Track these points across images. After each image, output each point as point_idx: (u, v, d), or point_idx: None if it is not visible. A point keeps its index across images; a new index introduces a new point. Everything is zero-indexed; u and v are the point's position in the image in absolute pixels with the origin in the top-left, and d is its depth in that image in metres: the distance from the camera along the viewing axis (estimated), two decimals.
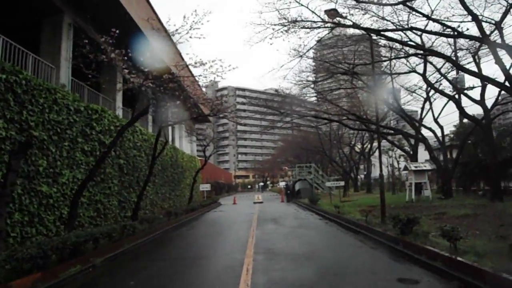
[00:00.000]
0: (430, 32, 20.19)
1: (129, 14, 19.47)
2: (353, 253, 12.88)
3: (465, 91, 28.11)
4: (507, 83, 19.20)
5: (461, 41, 26.93)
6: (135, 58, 14.89)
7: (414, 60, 29.90)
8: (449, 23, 20.54)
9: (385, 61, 29.14)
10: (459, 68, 22.91)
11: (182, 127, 43.42)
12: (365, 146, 57.13)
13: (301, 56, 25.35)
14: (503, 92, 23.72)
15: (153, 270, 10.89)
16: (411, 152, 35.68)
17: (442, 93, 28.96)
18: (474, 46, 26.14)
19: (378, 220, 17.39)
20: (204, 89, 22.91)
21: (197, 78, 18.43)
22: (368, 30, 20.02)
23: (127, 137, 22.28)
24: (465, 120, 35.65)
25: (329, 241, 15.90)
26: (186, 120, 24.18)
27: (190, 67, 18.50)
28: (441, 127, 31.76)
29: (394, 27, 21.36)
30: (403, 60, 30.23)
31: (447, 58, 22.86)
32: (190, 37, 15.30)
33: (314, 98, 40.21)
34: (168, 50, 16.63)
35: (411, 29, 20.91)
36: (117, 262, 12.35)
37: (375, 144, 54.48)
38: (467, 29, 24.93)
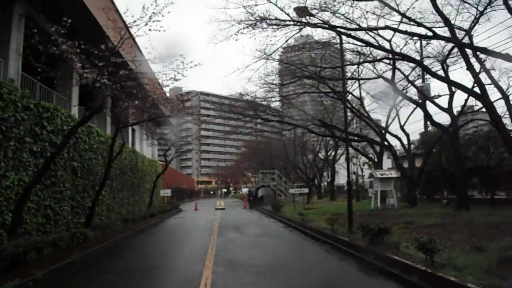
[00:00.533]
0: (405, 33, 19.49)
1: (83, 2, 18.07)
2: (320, 265, 12.05)
3: (433, 99, 27.65)
4: (477, 90, 18.74)
5: (429, 49, 26.73)
6: (90, 51, 13.76)
7: (380, 67, 29.59)
8: (419, 29, 20.04)
9: (354, 64, 28.45)
10: (430, 73, 22.40)
11: (143, 130, 42.12)
12: (329, 153, 56.61)
13: (267, 58, 24.56)
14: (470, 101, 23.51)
15: (102, 285, 9.84)
16: (376, 160, 35.26)
17: (410, 99, 28.51)
18: (442, 54, 25.89)
19: (345, 229, 16.68)
20: (167, 91, 21.65)
21: (156, 75, 17.39)
22: (338, 28, 19.37)
23: (82, 138, 21.00)
24: (430, 128, 35.45)
25: (294, 251, 15.10)
26: (145, 121, 22.79)
27: (150, 64, 17.40)
28: (407, 135, 31.40)
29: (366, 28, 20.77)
30: (370, 67, 29.94)
31: (417, 63, 22.42)
32: (150, 29, 14.21)
33: (278, 103, 39.57)
34: (126, 43, 15.45)
35: (386, 28, 20.25)
36: (62, 275, 11.12)
37: (340, 151, 54.23)
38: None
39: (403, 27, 20.77)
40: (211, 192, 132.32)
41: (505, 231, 14.20)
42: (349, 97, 33.14)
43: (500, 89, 19.11)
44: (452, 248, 11.15)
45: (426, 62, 27.56)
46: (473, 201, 25.25)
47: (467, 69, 18.57)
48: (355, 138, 36.75)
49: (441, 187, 32.88)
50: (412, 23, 20.47)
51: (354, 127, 47.85)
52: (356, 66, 30.13)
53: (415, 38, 23.98)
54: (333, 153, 55.37)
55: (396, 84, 28.55)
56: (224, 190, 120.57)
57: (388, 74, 28.38)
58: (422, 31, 28.73)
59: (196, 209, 45.57)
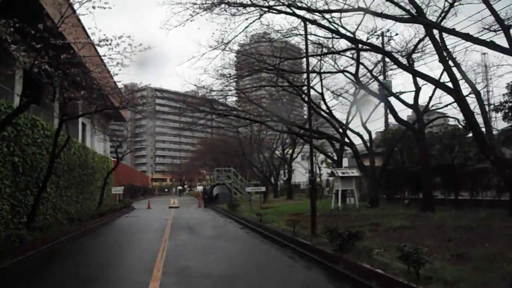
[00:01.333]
0: (381, 15, 18.11)
1: None
2: (284, 275, 10.63)
3: (398, 95, 26.68)
4: (450, 84, 17.69)
5: (393, 43, 25.93)
6: (26, 31, 12.02)
7: (341, 62, 28.68)
8: (385, 22, 18.93)
9: (318, 55, 27.12)
10: (399, 64, 21.39)
11: (95, 124, 40.09)
12: (286, 151, 55.63)
13: (224, 47, 23.17)
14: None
15: None
16: (335, 158, 34.26)
17: (375, 94, 27.44)
18: (406, 49, 25.11)
19: (308, 231, 15.39)
20: (118, 81, 19.71)
21: (104, 60, 15.70)
22: (305, 11, 18.05)
23: (25, 132, 19.12)
24: (391, 126, 34.69)
25: (253, 257, 13.63)
26: (92, 113, 20.81)
27: (98, 48, 15.72)
28: (369, 132, 30.42)
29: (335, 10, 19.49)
30: (331, 62, 29.02)
31: (385, 53, 21.31)
32: (93, 7, 12.50)
33: (235, 99, 38.14)
34: (68, 23, 13.69)
35: (358, 9, 18.84)
36: None
37: (297, 149, 53.30)
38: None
39: (366, 21, 19.65)
40: (166, 190, 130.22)
41: (481, 235, 13.23)
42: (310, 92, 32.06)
43: (471, 84, 18.19)
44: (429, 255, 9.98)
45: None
46: (436, 201, 24.35)
47: (439, 61, 17.55)
48: (315, 135, 35.58)
49: (402, 187, 32.07)
50: (377, 17, 19.54)
51: (313, 124, 46.70)
52: (317, 60, 29.04)
53: (378, 33, 23.11)
54: (290, 151, 54.52)
55: (359, 78, 27.50)
56: (179, 187, 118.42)
57: (351, 70, 27.37)
58: (387, 23, 27.75)
59: (149, 208, 43.73)
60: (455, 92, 17.09)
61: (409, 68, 21.44)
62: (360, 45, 23.29)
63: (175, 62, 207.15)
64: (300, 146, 55.21)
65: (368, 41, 24.74)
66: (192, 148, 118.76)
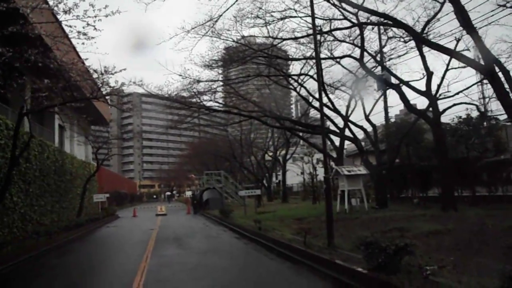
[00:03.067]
0: None
1: None
2: None
3: (408, 82, 23.69)
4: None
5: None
6: None
7: (337, 53, 25.76)
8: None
9: (325, 33, 23.91)
10: (421, 40, 18.53)
11: (74, 128, 36.93)
12: (278, 151, 52.92)
13: (212, 24, 20.22)
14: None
15: None
16: (335, 156, 31.46)
17: (385, 81, 24.53)
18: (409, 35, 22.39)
19: (321, 242, 12.51)
20: (95, 76, 16.38)
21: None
22: None
23: None
24: (393, 119, 32.06)
25: (261, 281, 10.35)
26: (56, 105, 17.31)
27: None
28: (374, 126, 27.70)
29: None
30: (326, 52, 26.14)
31: (406, 28, 18.28)
32: None
33: (223, 95, 35.28)
34: None
35: None
36: None
37: (292, 149, 50.64)
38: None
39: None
40: (154, 196, 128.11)
41: None
42: (305, 84, 29.31)
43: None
44: None
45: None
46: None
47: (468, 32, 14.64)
48: (310, 130, 32.61)
49: (409, 185, 29.37)
50: None
51: (307, 120, 43.81)
52: (312, 50, 26.11)
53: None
54: (282, 152, 51.88)
55: (355, 72, 24.72)
56: (168, 193, 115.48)
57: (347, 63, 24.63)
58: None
59: (135, 216, 40.69)
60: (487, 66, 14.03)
61: (425, 39, 18.63)
62: (369, 19, 20.47)
63: (156, 50, 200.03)
64: (294, 146, 52.72)
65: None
66: (180, 153, 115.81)
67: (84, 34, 12.01)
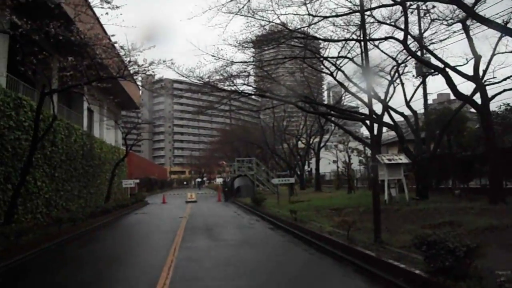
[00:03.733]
0: None
1: None
2: None
3: (455, 67, 22.10)
4: None
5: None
6: None
7: (381, 33, 24.48)
8: None
9: (373, 8, 22.16)
10: (473, 15, 17.03)
11: (104, 111, 36.24)
12: (312, 139, 51.64)
13: None
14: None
15: None
16: (372, 144, 30.09)
17: (428, 64, 23.01)
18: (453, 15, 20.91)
19: (366, 236, 11.34)
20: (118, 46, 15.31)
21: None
22: None
23: (6, 113, 15.37)
24: (433, 106, 30.52)
25: (304, 282, 9.00)
26: (83, 84, 16.02)
27: None
28: (415, 112, 26.14)
29: None
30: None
31: (458, 2, 16.82)
32: None
33: (254, 78, 34.15)
34: None
35: None
36: None
37: (325, 137, 49.32)
38: None
39: None
40: (185, 183, 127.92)
41: None
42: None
43: None
44: None
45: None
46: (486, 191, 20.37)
47: None
48: (347, 115, 31.08)
49: (449, 175, 27.88)
50: None
51: (343, 107, 42.32)
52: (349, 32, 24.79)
53: None
54: (316, 140, 50.58)
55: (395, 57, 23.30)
56: (198, 180, 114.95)
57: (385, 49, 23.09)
58: None
59: (164, 202, 39.88)
60: None
61: (478, 15, 17.11)
62: None
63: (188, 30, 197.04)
64: (326, 135, 51.43)
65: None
66: (211, 140, 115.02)
67: (108, 1, 10.92)
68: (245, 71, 25.55)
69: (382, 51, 25.64)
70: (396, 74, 26.93)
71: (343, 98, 42.13)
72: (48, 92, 14.51)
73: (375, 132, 28.72)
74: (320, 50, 28.54)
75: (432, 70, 24.34)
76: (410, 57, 24.38)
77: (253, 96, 33.46)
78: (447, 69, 20.89)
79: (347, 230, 11.52)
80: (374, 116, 26.68)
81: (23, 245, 12.76)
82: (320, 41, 24.24)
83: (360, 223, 13.69)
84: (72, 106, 29.76)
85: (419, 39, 23.52)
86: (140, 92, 34.94)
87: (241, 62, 24.29)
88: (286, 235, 15.41)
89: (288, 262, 11.09)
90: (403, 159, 22.86)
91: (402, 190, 22.91)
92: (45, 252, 13.12)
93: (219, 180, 73.21)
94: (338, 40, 23.29)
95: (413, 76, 27.70)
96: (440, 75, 21.57)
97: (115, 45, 15.33)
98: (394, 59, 25.62)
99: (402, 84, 27.18)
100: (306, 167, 61.95)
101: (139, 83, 15.84)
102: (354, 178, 45.58)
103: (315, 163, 51.00)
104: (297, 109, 33.51)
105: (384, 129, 26.66)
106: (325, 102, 52.02)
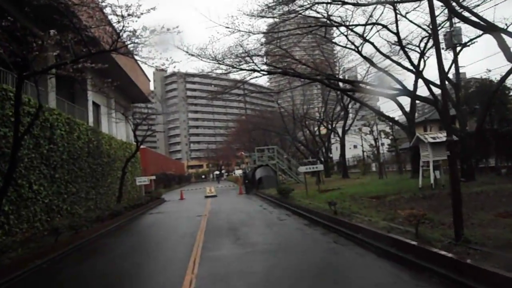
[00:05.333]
0: None
1: None
2: None
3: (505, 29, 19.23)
4: None
5: None
6: None
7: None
8: None
9: None
10: None
11: (112, 104, 33.73)
12: (334, 122, 49.09)
13: None
14: None
15: None
16: (406, 124, 27.54)
17: (475, 24, 20.05)
18: None
19: (438, 233, 8.82)
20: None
21: None
22: None
23: None
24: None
25: None
26: (68, 63, 12.74)
27: None
28: (456, 85, 23.34)
29: None
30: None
31: None
32: None
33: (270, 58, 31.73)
34: None
35: None
36: None
37: (349, 121, 46.71)
38: None
39: None
40: (203, 176, 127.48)
41: None
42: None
43: None
44: None
45: None
46: None
47: None
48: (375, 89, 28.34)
49: (492, 153, 25.40)
50: None
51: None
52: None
53: None
54: (338, 123, 48.17)
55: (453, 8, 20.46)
56: (217, 172, 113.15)
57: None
58: None
59: (182, 199, 37.71)
60: None
61: None
62: None
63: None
64: (353, 115, 49.09)
65: None
66: (227, 131, 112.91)
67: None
68: (261, 50, 23.13)
69: (410, 21, 24.10)
70: (427, 46, 24.66)
71: (366, 76, 39.41)
72: (26, 75, 11.72)
73: (408, 109, 26.28)
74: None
75: (465, 42, 22.94)
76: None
77: (267, 83, 31.25)
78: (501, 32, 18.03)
79: (415, 226, 8.85)
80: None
81: (6, 265, 10.24)
82: (348, 5, 21.30)
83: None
84: (76, 101, 27.36)
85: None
86: (153, 81, 32.50)
87: (259, 32, 21.69)
88: (328, 233, 12.67)
89: (343, 275, 8.31)
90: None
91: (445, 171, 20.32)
92: (33, 273, 10.50)
93: (238, 172, 71.10)
94: (367, 4, 20.48)
95: (443, 48, 25.05)
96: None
97: (105, 9, 12.60)
98: (426, 29, 23.38)
99: (439, 51, 24.47)
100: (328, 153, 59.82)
101: (137, 57, 12.96)
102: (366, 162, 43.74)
103: (338, 148, 48.76)
104: (316, 93, 30.78)
105: None
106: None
